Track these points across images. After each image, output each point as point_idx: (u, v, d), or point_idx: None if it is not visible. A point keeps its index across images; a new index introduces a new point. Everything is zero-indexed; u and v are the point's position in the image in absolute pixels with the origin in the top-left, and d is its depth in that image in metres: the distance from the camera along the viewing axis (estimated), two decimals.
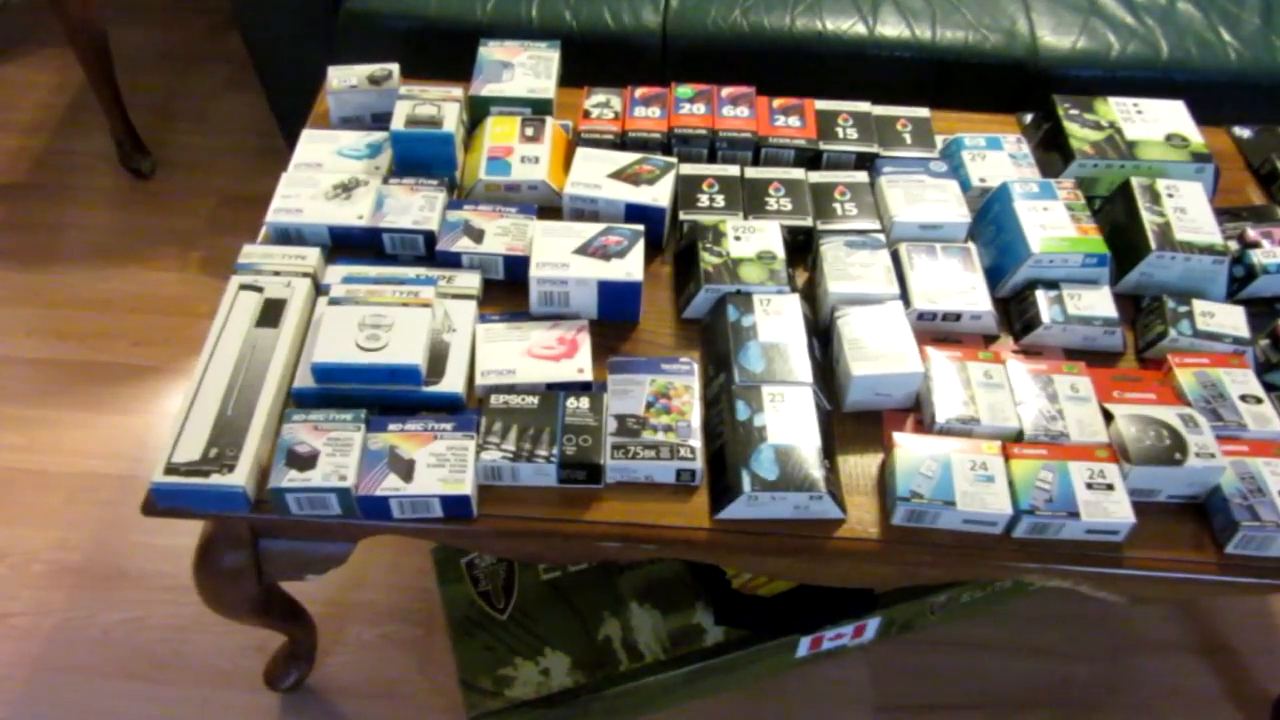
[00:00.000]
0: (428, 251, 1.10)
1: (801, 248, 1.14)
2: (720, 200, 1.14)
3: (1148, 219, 1.09)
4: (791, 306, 1.02)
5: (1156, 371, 1.03)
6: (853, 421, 1.00)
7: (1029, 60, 1.45)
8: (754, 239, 1.08)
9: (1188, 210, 1.10)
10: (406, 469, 0.90)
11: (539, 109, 1.22)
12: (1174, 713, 1.30)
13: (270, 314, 1.01)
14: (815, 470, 0.90)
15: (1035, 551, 0.91)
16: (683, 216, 1.13)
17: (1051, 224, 1.08)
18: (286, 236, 1.10)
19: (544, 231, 1.06)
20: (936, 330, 1.06)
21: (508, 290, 1.08)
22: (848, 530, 0.92)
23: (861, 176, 1.18)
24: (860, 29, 1.46)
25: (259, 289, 1.03)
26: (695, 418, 0.96)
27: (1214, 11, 1.50)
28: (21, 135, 2.01)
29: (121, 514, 1.46)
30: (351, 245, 1.10)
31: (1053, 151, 1.21)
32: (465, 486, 0.89)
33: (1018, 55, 1.46)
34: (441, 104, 1.16)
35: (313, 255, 1.07)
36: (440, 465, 0.90)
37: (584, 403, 0.95)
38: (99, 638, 1.33)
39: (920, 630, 1.36)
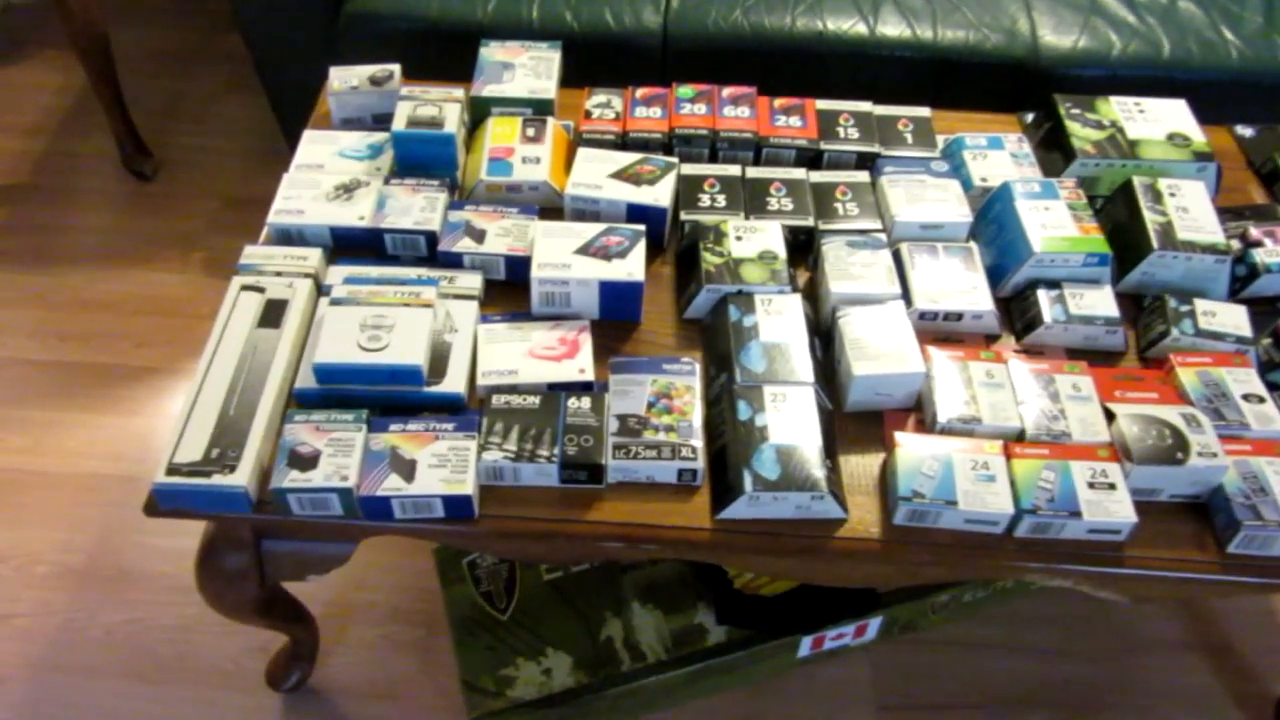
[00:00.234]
0: (429, 252, 1.10)
1: (803, 248, 1.14)
2: (721, 200, 1.14)
3: (1149, 218, 1.09)
4: (793, 306, 1.02)
5: (1158, 371, 1.02)
6: (854, 421, 1.00)
7: (1030, 60, 1.45)
8: (755, 239, 1.08)
9: (1190, 209, 1.10)
10: (408, 469, 0.90)
11: (540, 109, 1.22)
12: (1176, 712, 1.30)
13: (272, 315, 1.01)
14: (817, 470, 0.90)
15: (1037, 551, 0.91)
16: (684, 217, 1.13)
17: (1053, 223, 1.08)
18: (288, 237, 1.10)
19: (545, 232, 1.06)
20: (938, 330, 1.06)
21: (509, 291, 1.08)
22: (849, 530, 0.92)
23: (863, 176, 1.18)
24: (861, 29, 1.47)
25: (261, 290, 1.03)
26: (697, 418, 0.96)
27: (1215, 10, 1.50)
28: (24, 137, 2.02)
29: (124, 515, 1.46)
30: (353, 246, 1.11)
31: (1054, 151, 1.21)
32: (467, 487, 0.89)
33: (1019, 55, 1.46)
34: (443, 105, 1.16)
35: (314, 256, 1.07)
36: (442, 465, 0.90)
37: (585, 403, 0.95)
38: (101, 638, 1.33)
39: (922, 630, 1.36)
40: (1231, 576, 0.92)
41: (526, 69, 1.25)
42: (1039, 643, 1.36)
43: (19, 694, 1.28)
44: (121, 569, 1.40)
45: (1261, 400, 0.98)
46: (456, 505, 0.90)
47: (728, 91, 1.24)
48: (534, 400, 0.95)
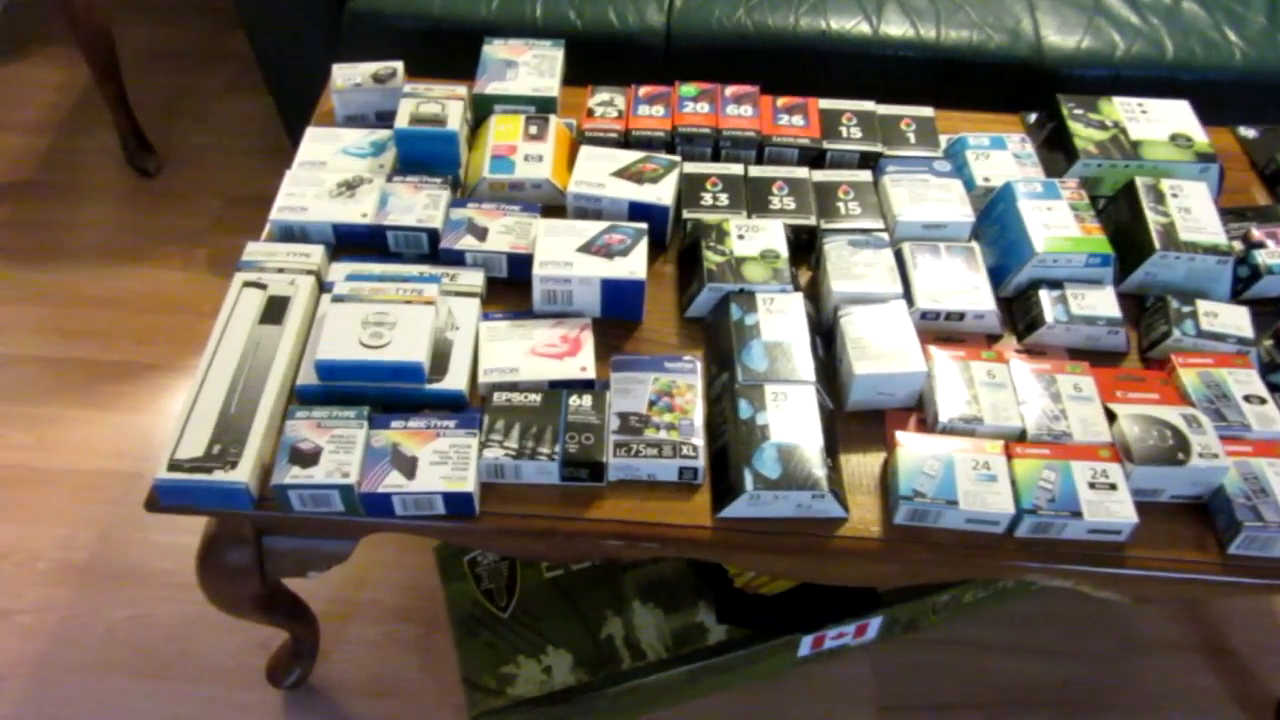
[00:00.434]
0: (431, 249, 1.10)
1: (805, 247, 1.14)
2: (724, 199, 1.14)
3: (1152, 219, 1.09)
4: (794, 305, 1.02)
5: (1160, 372, 1.02)
6: (855, 420, 1.00)
7: (1033, 60, 1.45)
8: (757, 238, 1.08)
9: (1192, 210, 1.09)
10: (409, 466, 0.90)
11: (543, 107, 1.22)
12: (1176, 713, 1.30)
13: (274, 311, 1.01)
14: (818, 469, 0.90)
15: (1038, 551, 0.91)
16: (686, 215, 1.13)
17: (1055, 224, 1.08)
18: (291, 234, 1.10)
19: (547, 230, 1.06)
20: (939, 330, 1.06)
21: (511, 288, 1.09)
22: (850, 529, 0.92)
23: (865, 176, 1.18)
24: (864, 28, 1.46)
25: (263, 286, 1.03)
26: (698, 416, 0.96)
27: (1219, 11, 1.50)
28: (27, 134, 2.02)
29: (126, 511, 1.46)
30: (355, 243, 1.11)
31: (1057, 151, 1.21)
32: (468, 484, 0.89)
33: (1022, 55, 1.45)
34: (445, 102, 1.16)
35: (317, 253, 1.07)
36: (443, 463, 0.90)
37: (587, 401, 0.95)
38: (103, 635, 1.33)
39: (923, 630, 1.36)
40: (1232, 577, 0.92)
41: (529, 67, 1.25)
42: (1039, 643, 1.36)
43: (20, 690, 1.28)
44: (123, 565, 1.40)
45: (1263, 401, 0.98)
46: (457, 502, 0.90)
47: (730, 90, 1.24)
48: (535, 398, 0.95)
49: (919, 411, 1.00)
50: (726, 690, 1.30)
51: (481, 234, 1.08)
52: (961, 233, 1.12)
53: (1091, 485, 0.91)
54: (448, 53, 1.48)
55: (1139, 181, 1.12)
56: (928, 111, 1.25)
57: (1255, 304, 1.09)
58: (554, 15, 1.47)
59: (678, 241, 1.15)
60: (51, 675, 1.30)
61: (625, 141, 1.21)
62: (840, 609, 1.25)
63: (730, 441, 0.93)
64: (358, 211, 1.10)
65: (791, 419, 0.93)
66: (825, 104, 1.25)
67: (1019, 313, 1.08)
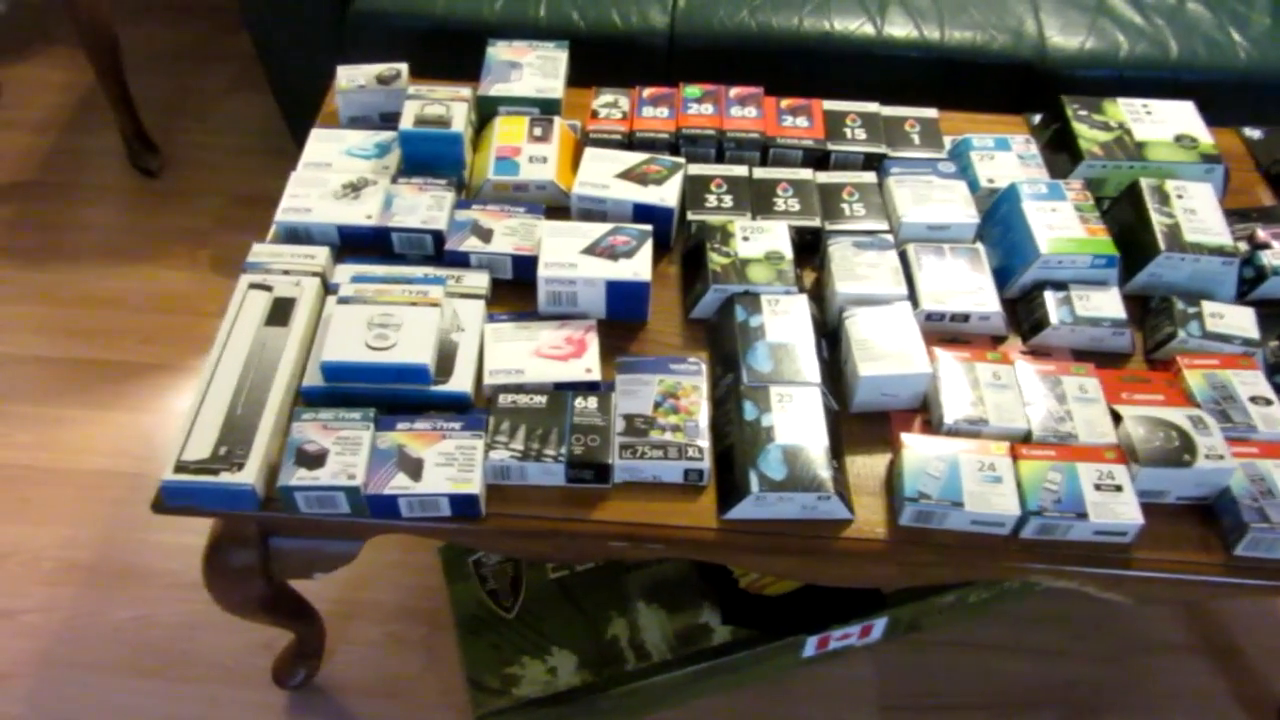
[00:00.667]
0: (436, 251, 1.10)
1: (809, 248, 1.14)
2: (728, 200, 1.14)
3: (1157, 220, 1.08)
4: (799, 307, 1.02)
5: (1165, 373, 1.02)
6: (860, 422, 1.00)
7: (1037, 61, 1.45)
8: (762, 239, 1.08)
9: (1197, 211, 1.09)
10: (415, 468, 0.90)
11: (547, 109, 1.22)
12: (1180, 714, 1.30)
13: (279, 313, 1.01)
14: (823, 470, 0.90)
15: (1043, 552, 0.91)
16: (690, 217, 1.13)
17: (1060, 225, 1.08)
18: (295, 236, 1.11)
19: (552, 231, 1.06)
20: (944, 331, 1.06)
21: (516, 290, 1.09)
22: (855, 530, 0.92)
23: (869, 177, 1.18)
24: (868, 29, 1.46)
25: (268, 288, 1.03)
26: (703, 417, 0.96)
27: (1223, 11, 1.50)
28: (31, 134, 2.02)
29: (131, 512, 1.46)
30: (360, 245, 1.11)
31: (1061, 152, 1.21)
32: (473, 485, 0.89)
33: (1026, 56, 1.45)
34: (450, 104, 1.16)
35: (321, 254, 1.07)
36: (448, 464, 0.90)
37: (592, 402, 0.95)
38: (108, 635, 1.34)
39: (927, 631, 1.36)
40: (1238, 579, 0.92)
41: (533, 68, 1.25)
42: (1044, 644, 1.36)
43: (25, 689, 1.28)
44: (127, 565, 1.40)
45: (1269, 402, 0.98)
46: (463, 504, 0.90)
47: (734, 92, 1.24)
48: (541, 399, 0.95)
49: (924, 413, 1.00)
50: (731, 691, 1.30)
51: (486, 235, 1.08)
52: (966, 234, 1.12)
53: (1097, 487, 0.91)
54: (451, 54, 1.48)
55: (1143, 183, 1.12)
56: (932, 113, 1.25)
57: (1261, 305, 1.08)
58: (558, 16, 1.47)
59: (682, 243, 1.15)
60: (55, 675, 1.30)
61: (629, 143, 1.21)
62: (845, 610, 1.25)
63: (735, 443, 0.93)
64: (362, 213, 1.10)
65: (796, 420, 0.93)
66: (829, 105, 1.25)
67: (1024, 314, 1.08)
